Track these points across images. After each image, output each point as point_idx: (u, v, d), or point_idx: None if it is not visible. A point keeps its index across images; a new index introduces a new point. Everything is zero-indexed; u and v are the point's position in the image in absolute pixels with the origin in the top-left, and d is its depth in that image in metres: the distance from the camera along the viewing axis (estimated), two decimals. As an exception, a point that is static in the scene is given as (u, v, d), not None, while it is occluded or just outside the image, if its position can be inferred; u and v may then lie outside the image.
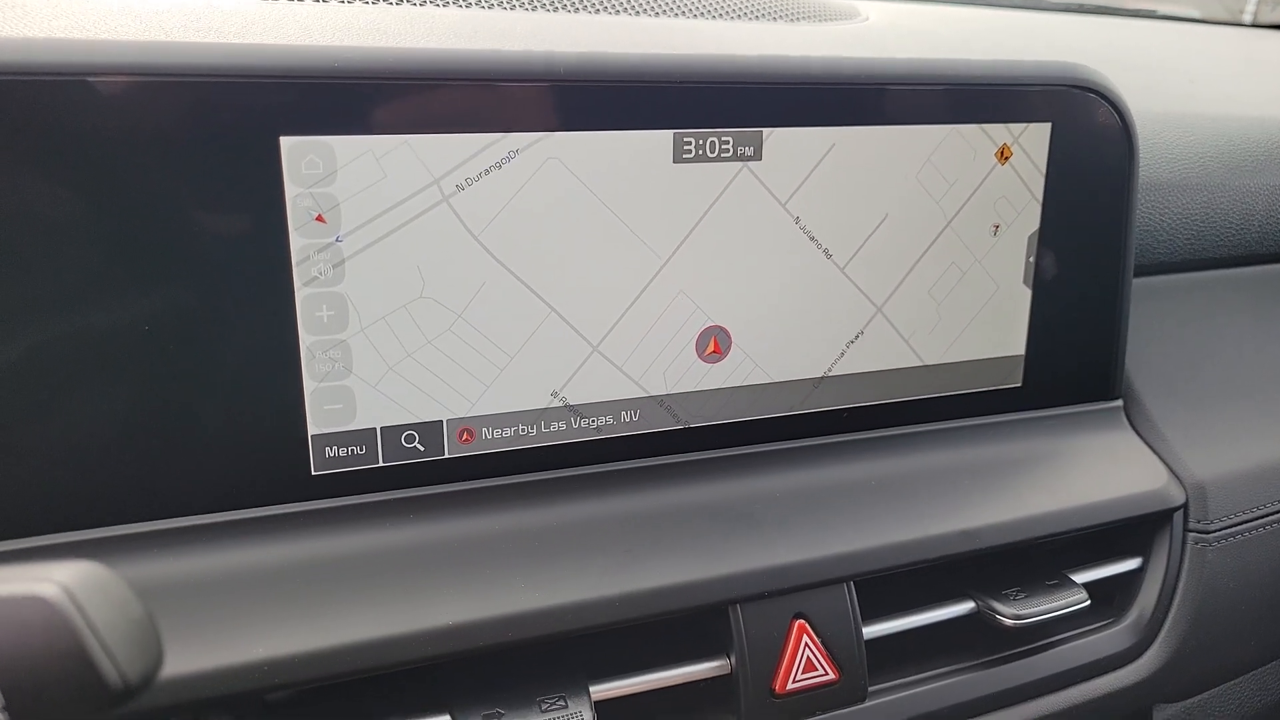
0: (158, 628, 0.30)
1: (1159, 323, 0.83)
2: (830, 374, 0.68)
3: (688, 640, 0.61)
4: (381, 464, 0.58)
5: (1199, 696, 0.83)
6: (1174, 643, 0.70)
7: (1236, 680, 0.85)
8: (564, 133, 0.57)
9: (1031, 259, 0.71)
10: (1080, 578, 0.69)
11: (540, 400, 0.61)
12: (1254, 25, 1.62)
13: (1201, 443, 0.76)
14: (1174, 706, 0.81)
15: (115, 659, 0.28)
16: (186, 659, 0.48)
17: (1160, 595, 0.71)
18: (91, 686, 0.28)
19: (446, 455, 0.59)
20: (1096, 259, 0.73)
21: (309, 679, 0.50)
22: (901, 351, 0.69)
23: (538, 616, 0.54)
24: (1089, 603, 0.67)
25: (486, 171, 0.56)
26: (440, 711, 0.54)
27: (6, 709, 0.27)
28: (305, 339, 0.54)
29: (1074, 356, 0.74)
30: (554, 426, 0.62)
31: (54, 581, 0.28)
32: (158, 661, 0.30)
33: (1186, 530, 0.72)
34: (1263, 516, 0.74)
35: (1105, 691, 0.68)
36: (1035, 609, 0.65)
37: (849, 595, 0.61)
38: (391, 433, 0.58)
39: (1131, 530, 0.73)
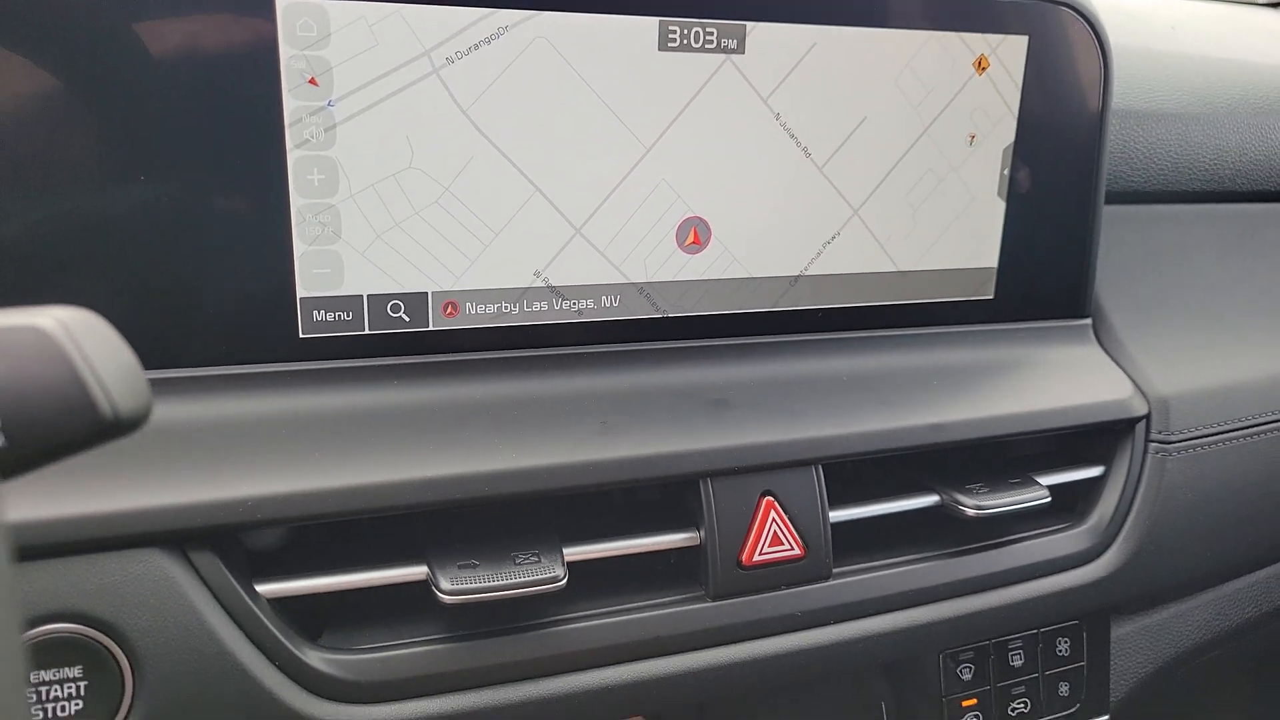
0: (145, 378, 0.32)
1: (1130, 250, 0.85)
2: (806, 273, 0.70)
3: (659, 516, 0.63)
4: (367, 331, 0.60)
5: (1153, 616, 0.85)
6: (1131, 547, 0.72)
7: (1192, 603, 0.87)
8: (552, 12, 0.59)
9: (1006, 172, 0.73)
10: (1043, 480, 0.71)
11: (523, 279, 0.63)
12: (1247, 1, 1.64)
13: (1166, 362, 0.78)
14: (1129, 625, 0.84)
15: (107, 390, 0.30)
16: (172, 490, 0.50)
17: (1120, 501, 0.73)
18: (83, 414, 0.30)
19: (430, 327, 0.61)
20: (1069, 176, 0.75)
21: (286, 518, 0.52)
22: (876, 255, 0.72)
23: (513, 475, 0.56)
24: (1049, 500, 0.69)
25: (476, 46, 0.58)
26: (418, 562, 0.56)
27: (3, 430, 0.29)
28: (296, 201, 0.56)
29: (1045, 272, 0.76)
30: (536, 306, 0.63)
31: (51, 316, 0.30)
32: (148, 404, 0.31)
33: (1148, 440, 0.74)
34: (1221, 433, 0.76)
35: (1062, 588, 0.70)
36: (997, 501, 0.67)
37: (816, 477, 0.63)
38: (378, 301, 0.60)
39: (1095, 439, 0.75)
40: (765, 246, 0.68)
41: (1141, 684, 0.84)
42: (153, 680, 0.48)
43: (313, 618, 0.56)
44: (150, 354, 0.55)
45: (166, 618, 0.49)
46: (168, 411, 0.54)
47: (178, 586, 0.49)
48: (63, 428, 0.30)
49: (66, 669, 0.48)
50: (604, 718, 0.58)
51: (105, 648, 0.48)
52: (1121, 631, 0.83)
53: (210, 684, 0.50)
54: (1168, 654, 0.86)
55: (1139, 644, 0.84)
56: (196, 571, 0.50)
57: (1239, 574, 0.90)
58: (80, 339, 0.30)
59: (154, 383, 0.55)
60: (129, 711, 0.48)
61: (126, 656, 0.48)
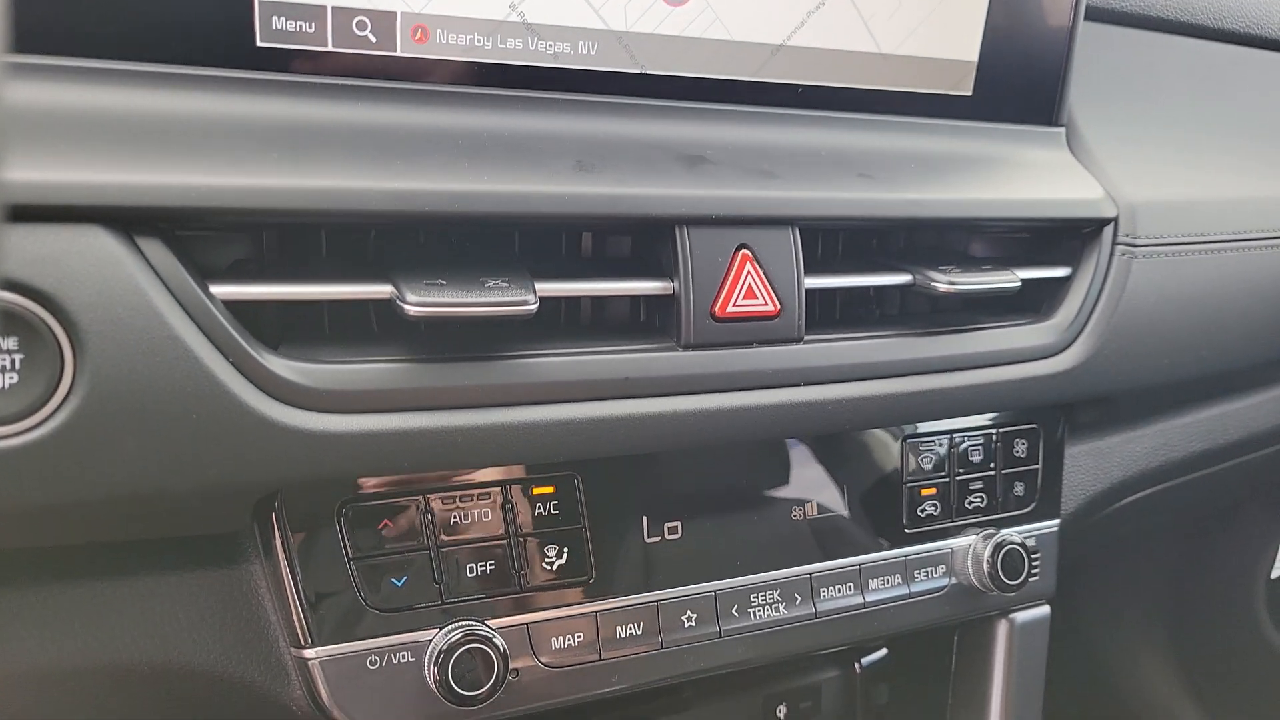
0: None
1: (1105, 69, 0.85)
2: (789, 43, 0.68)
3: (631, 269, 0.61)
4: (330, 47, 0.56)
5: (1104, 440, 0.87)
6: (1093, 344, 0.73)
7: (1140, 432, 0.89)
8: None
9: (992, -40, 0.72)
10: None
11: (499, 11, 0.59)
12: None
13: (1136, 174, 0.78)
14: (1081, 445, 0.85)
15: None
16: (118, 170, 0.47)
17: (1085, 301, 0.73)
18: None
19: (398, 53, 0.58)
20: (1054, -26, 0.74)
21: (239, 209, 0.48)
22: (859, 33, 0.70)
23: (485, 196, 0.53)
24: (1019, 285, 0.69)
25: None
26: (383, 281, 0.53)
27: None
28: (258, -114, 0.52)
29: (1022, 73, 0.75)
30: (510, 43, 0.60)
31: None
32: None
33: (1115, 243, 0.74)
34: (1187, 244, 0.77)
35: (1024, 377, 0.71)
36: (969, 280, 0.67)
37: (793, 238, 0.62)
38: (342, 14, 0.56)
39: (1062, 243, 0.75)
40: (749, 7, 0.65)
41: (1090, 501, 0.85)
42: (95, 360, 0.45)
43: (270, 332, 0.53)
44: (89, 41, 0.50)
45: (112, 299, 0.46)
46: (108, 101, 0.50)
47: (124, 269, 0.46)
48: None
49: (0, 339, 0.44)
50: (568, 453, 0.57)
51: (43, 321, 0.45)
52: (1074, 450, 0.85)
53: (159, 375, 0.47)
54: (1115, 476, 0.88)
55: (1088, 464, 0.86)
56: (146, 259, 0.47)
57: (1187, 404, 0.92)
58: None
59: (101, 72, 0.51)
60: (69, 391, 0.45)
61: (66, 333, 0.45)
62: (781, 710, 0.87)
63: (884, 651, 0.92)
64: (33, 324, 0.44)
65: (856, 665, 0.90)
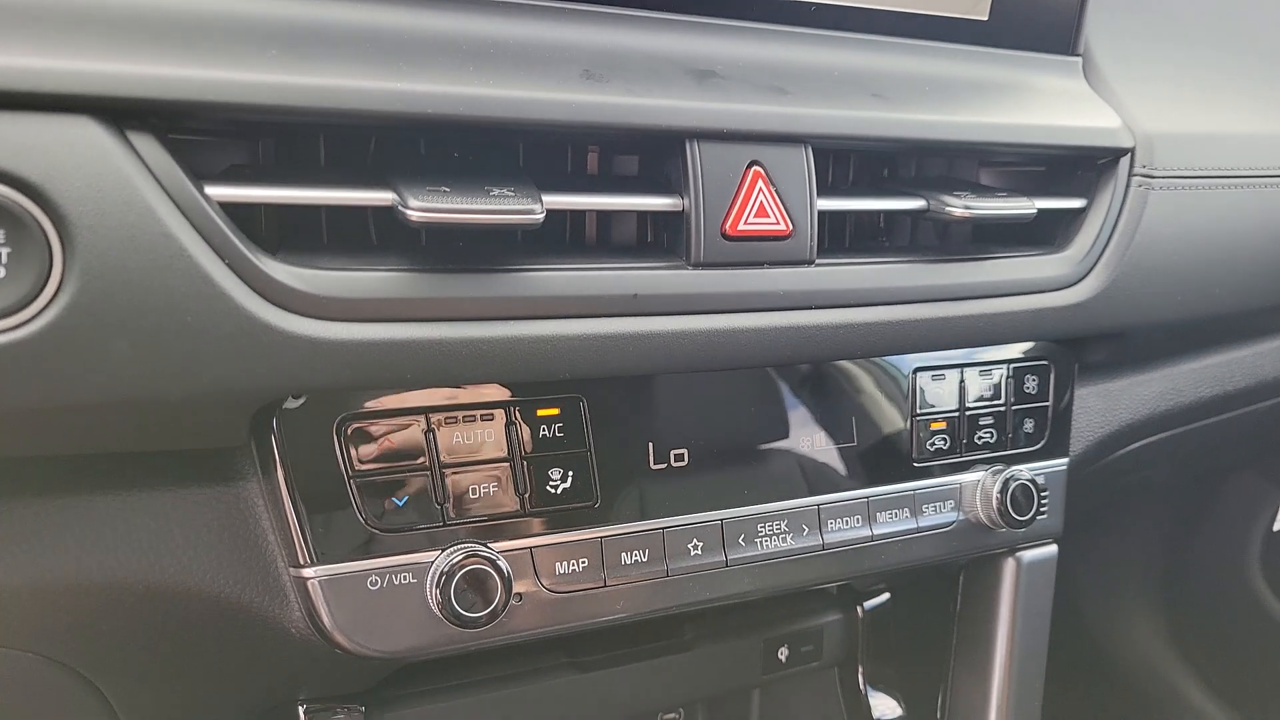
0: None
1: (1126, 1, 0.83)
2: (802, -42, 0.65)
3: (642, 186, 0.59)
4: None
5: (1113, 382, 0.86)
6: (1107, 276, 0.71)
7: (1148, 375, 0.88)
8: None
9: (1012, -123, 0.70)
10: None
11: (503, -86, 0.57)
12: None
13: (1153, 106, 0.76)
14: (1090, 388, 0.84)
15: None
16: (107, 60, 0.44)
17: (1100, 232, 0.72)
18: None
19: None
20: (1074, -105, 0.72)
21: (234, 104, 0.46)
22: (875, -50, 0.68)
23: (485, 100, 0.51)
24: (1034, 213, 0.67)
25: None
26: (384, 188, 0.51)
27: None
28: None
29: (1039, 0, 0.73)
30: (516, -51, 0.58)
31: None
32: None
33: (1131, 175, 0.73)
34: (1204, 177, 0.75)
35: (1038, 308, 0.69)
36: (984, 205, 0.65)
37: (806, 157, 0.60)
38: (343, -89, 0.54)
39: (1078, 174, 0.74)
40: (761, -82, 0.63)
41: (1099, 443, 0.84)
42: (85, 256, 0.43)
43: (265, 241, 0.51)
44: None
45: (103, 192, 0.44)
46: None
47: (115, 162, 0.44)
48: None
49: (-14, 232, 0.42)
50: (573, 371, 0.55)
51: (30, 213, 0.43)
52: (1083, 391, 0.83)
53: (153, 274, 0.45)
54: (1123, 419, 0.86)
55: (1097, 405, 0.84)
56: (137, 154, 0.45)
57: (1195, 349, 0.91)
58: None
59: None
60: (58, 288, 0.43)
61: (54, 226, 0.43)
62: (783, 652, 0.86)
63: (886, 595, 0.91)
64: (19, 216, 0.42)
65: (859, 608, 0.90)
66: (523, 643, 0.79)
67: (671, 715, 0.97)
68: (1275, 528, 1.13)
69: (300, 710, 0.69)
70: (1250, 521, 1.59)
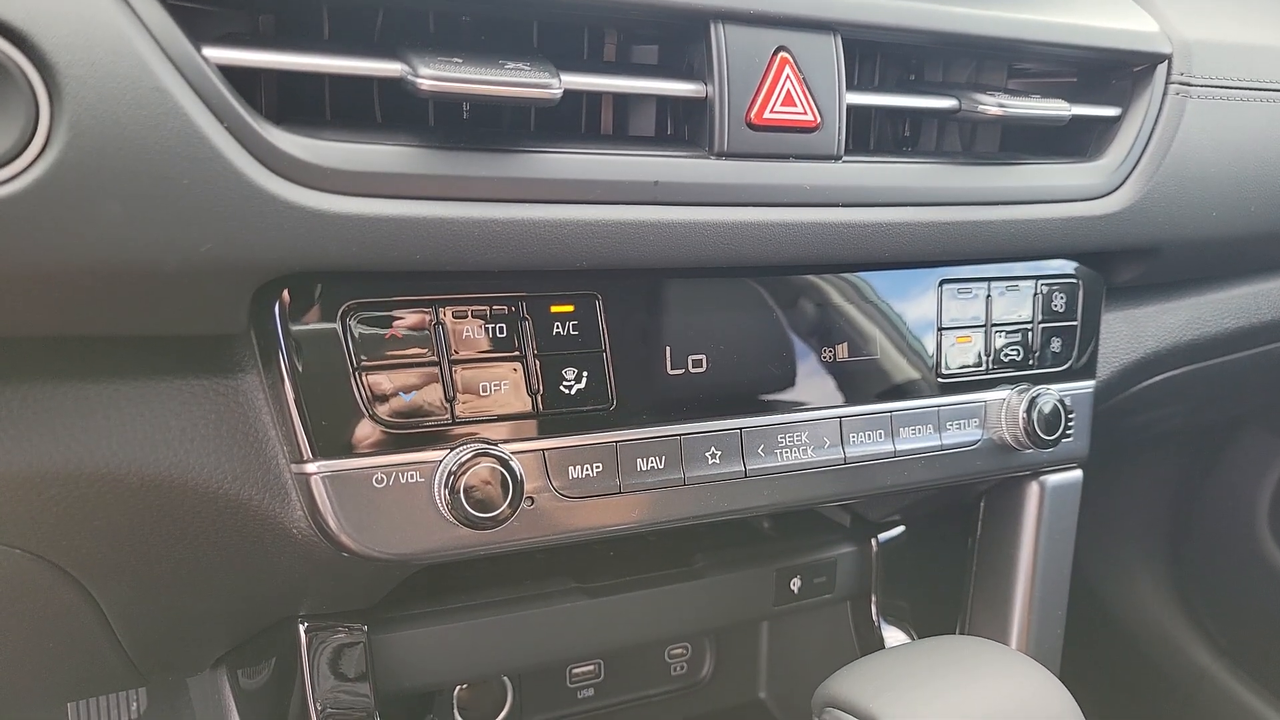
0: None
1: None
2: None
3: (663, 74, 0.56)
4: None
5: (1140, 308, 0.83)
6: (1141, 187, 0.69)
7: (1176, 304, 0.86)
8: None
9: None
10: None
11: None
12: None
13: (1192, 13, 0.73)
14: (1117, 312, 0.81)
15: None
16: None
17: (1135, 142, 0.69)
18: None
19: None
20: None
21: None
22: None
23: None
24: (1070, 114, 0.65)
25: None
26: (393, 59, 0.48)
27: None
28: None
29: (1077, -101, 0.70)
30: None
31: None
32: None
33: (1169, 82, 0.70)
34: (1244, 88, 0.73)
35: (1069, 216, 0.67)
36: (1019, 104, 0.62)
37: (835, 46, 0.57)
38: None
39: (1114, 83, 0.71)
40: None
41: (1124, 371, 0.82)
42: (75, 109, 0.40)
43: (266, 112, 0.48)
44: None
45: (92, 41, 0.41)
46: None
47: (106, 12, 0.41)
48: None
49: (-36, 80, 0.40)
50: (589, 259, 0.53)
51: (14, 61, 0.40)
52: (1110, 316, 0.81)
53: (147, 132, 0.42)
54: (1148, 346, 0.84)
55: (1123, 330, 0.82)
56: (130, 7, 0.42)
57: (1222, 280, 0.88)
58: None
59: None
60: (46, 142, 0.40)
61: (41, 76, 0.40)
62: (795, 584, 0.85)
63: (901, 529, 0.89)
64: (2, 64, 0.40)
65: (873, 541, 0.88)
66: (531, 563, 0.78)
67: (679, 649, 0.96)
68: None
69: (300, 628, 0.67)
70: (1259, 478, 1.58)
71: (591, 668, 0.91)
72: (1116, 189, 0.68)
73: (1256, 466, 1.56)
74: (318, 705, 0.66)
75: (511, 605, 0.74)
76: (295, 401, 0.51)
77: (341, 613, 0.68)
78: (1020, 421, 0.69)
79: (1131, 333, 0.82)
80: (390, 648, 0.69)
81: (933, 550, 0.87)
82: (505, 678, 0.88)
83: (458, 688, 0.86)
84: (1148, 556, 1.70)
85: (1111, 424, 1.00)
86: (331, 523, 0.52)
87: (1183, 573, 1.67)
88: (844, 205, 0.59)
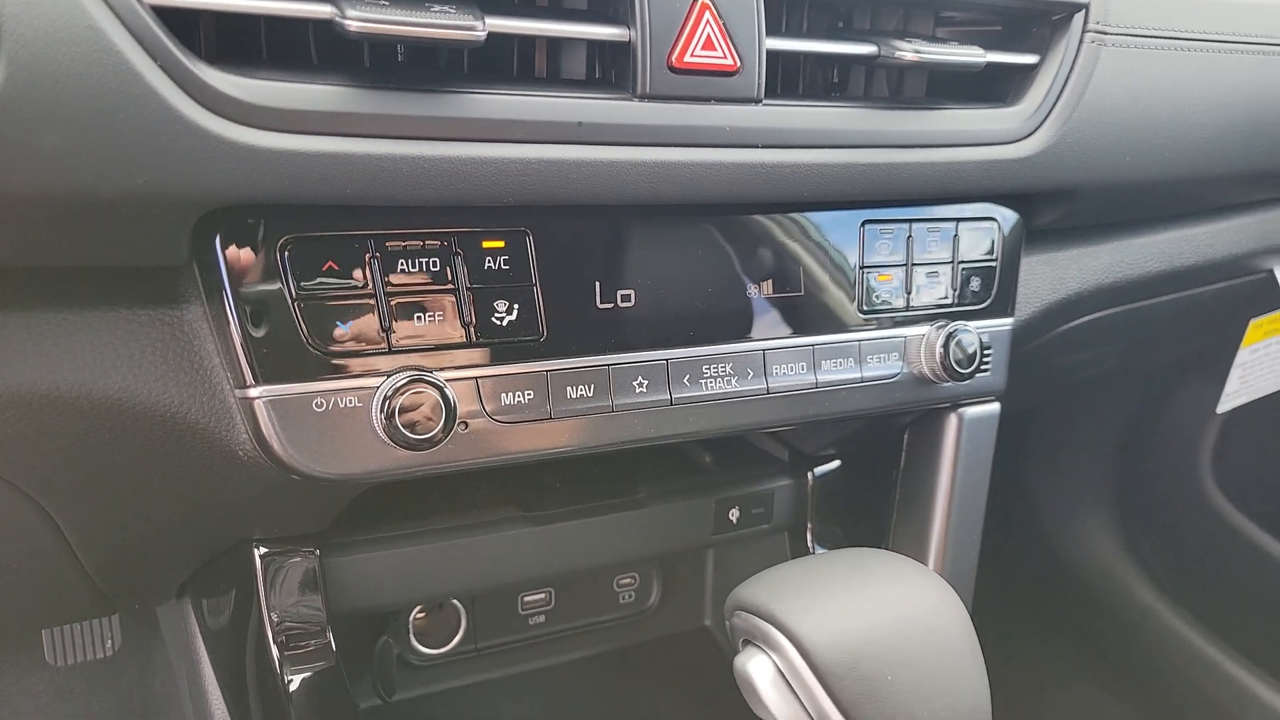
0: None
1: None
2: None
3: (589, 18, 0.59)
4: None
5: (1061, 252, 0.87)
6: (1057, 131, 0.72)
7: (1096, 248, 0.90)
8: None
9: None
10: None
11: None
12: None
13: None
14: (1038, 255, 0.85)
15: None
16: None
17: (1051, 88, 0.72)
18: None
19: None
20: None
21: None
22: None
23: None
24: (985, 60, 0.68)
25: None
26: (322, 1, 0.50)
27: None
28: None
29: None
30: None
31: None
32: None
33: (1085, 30, 0.73)
34: (1157, 36, 0.76)
35: (986, 159, 0.70)
36: (935, 50, 0.65)
37: (755, -7, 0.60)
38: None
39: (1031, 32, 0.74)
40: None
41: (1046, 311, 0.86)
42: (11, 46, 0.42)
43: (204, 54, 0.50)
44: None
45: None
46: None
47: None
48: None
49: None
50: (517, 196, 0.56)
51: None
52: (1032, 259, 0.85)
53: (83, 69, 0.44)
54: (1070, 288, 0.88)
55: (1045, 272, 0.86)
56: None
57: (1146, 224, 0.92)
58: None
59: None
60: None
61: None
62: (734, 514, 0.89)
63: (836, 463, 0.93)
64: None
65: (809, 475, 0.92)
66: (478, 495, 0.82)
67: (627, 579, 1.00)
68: (1218, 409, 1.16)
69: (256, 551, 0.70)
70: (1202, 425, 1.64)
71: (542, 596, 0.95)
72: (1032, 133, 0.72)
73: (1199, 414, 1.62)
74: (273, 621, 0.70)
75: (459, 532, 0.78)
76: (236, 331, 0.54)
77: (294, 536, 0.71)
78: (938, 356, 0.72)
79: (1054, 275, 0.86)
80: (341, 570, 0.73)
81: (864, 482, 0.91)
82: (460, 605, 0.92)
83: (413, 614, 0.90)
84: (1096, 499, 1.77)
85: (1048, 363, 1.05)
86: (275, 444, 0.55)
87: (1129, 515, 1.74)
88: (763, 146, 0.62)
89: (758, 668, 0.53)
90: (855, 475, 0.93)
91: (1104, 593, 1.73)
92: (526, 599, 0.95)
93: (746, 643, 0.55)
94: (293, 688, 0.69)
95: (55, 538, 0.65)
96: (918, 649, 0.51)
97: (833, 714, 0.49)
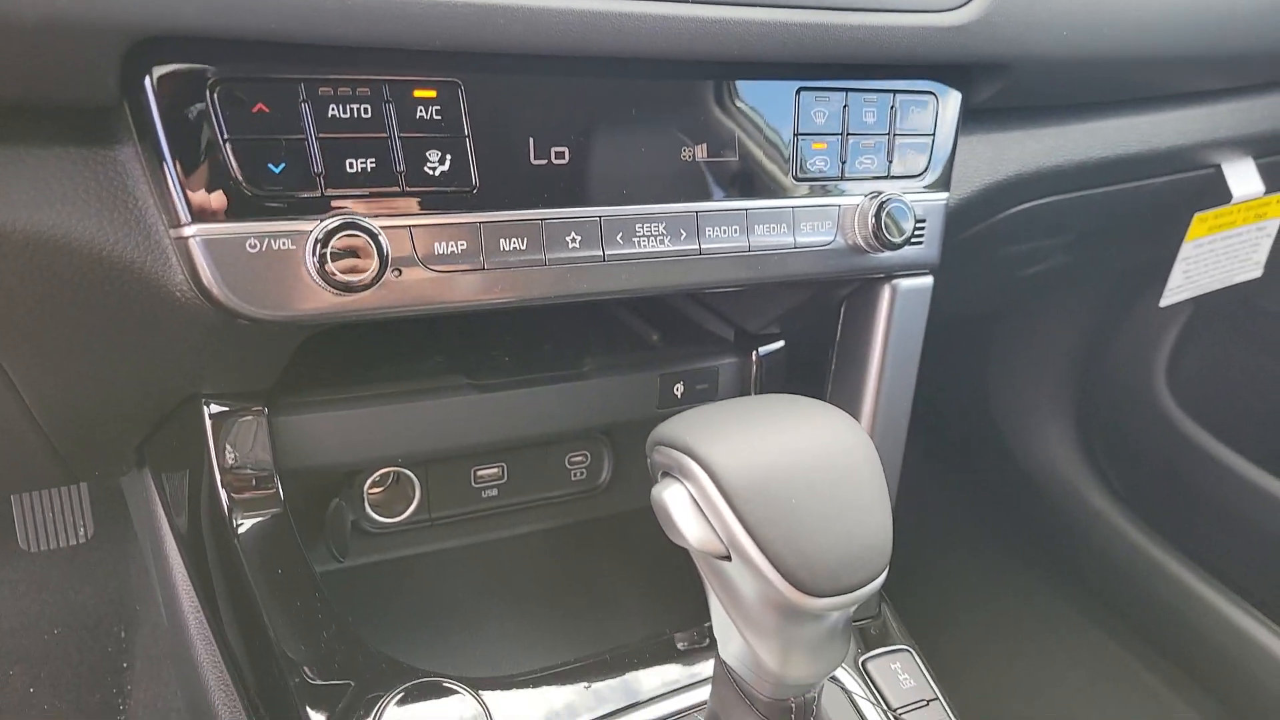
0: None
1: None
2: None
3: None
4: None
5: (1001, 133, 0.88)
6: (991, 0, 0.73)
7: (1037, 132, 0.91)
8: None
9: None
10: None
11: None
12: None
13: None
14: (977, 136, 0.86)
15: None
16: None
17: (987, -46, 0.73)
18: None
19: None
20: None
21: None
22: None
23: None
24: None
25: None
26: None
27: None
28: None
29: None
30: None
31: None
32: None
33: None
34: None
35: (921, 25, 0.71)
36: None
37: None
38: None
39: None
40: None
41: (985, 191, 0.88)
42: None
43: None
44: None
45: None
46: None
47: None
48: None
49: None
50: (445, 39, 0.57)
51: None
52: (972, 138, 0.86)
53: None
54: (1010, 169, 0.89)
55: (985, 152, 0.87)
56: None
57: (1089, 110, 0.93)
58: None
59: None
60: None
61: None
62: (679, 389, 0.92)
63: (780, 344, 0.96)
64: None
65: (754, 354, 0.95)
66: (426, 365, 0.84)
67: (579, 456, 1.03)
68: (1160, 303, 1.19)
69: (205, 408, 0.72)
70: (1159, 335, 1.67)
71: (495, 470, 0.98)
72: (967, 2, 0.72)
73: (1156, 324, 1.66)
74: (223, 472, 0.73)
75: (406, 396, 0.81)
76: (170, 170, 0.55)
77: (244, 394, 0.74)
78: (870, 225, 0.74)
79: (994, 154, 0.88)
80: (289, 428, 0.76)
81: (806, 360, 0.94)
82: (414, 477, 0.95)
83: (369, 485, 0.93)
84: (1054, 406, 1.81)
85: (993, 253, 1.07)
86: (209, 283, 0.57)
87: (1086, 422, 1.78)
88: (696, 1, 0.62)
89: (673, 495, 0.55)
90: (798, 354, 0.96)
91: (1058, 497, 1.79)
92: (479, 472, 0.98)
93: (664, 474, 0.57)
94: (241, 530, 0.72)
95: (11, 395, 0.66)
96: (825, 478, 0.54)
97: (740, 534, 0.52)
